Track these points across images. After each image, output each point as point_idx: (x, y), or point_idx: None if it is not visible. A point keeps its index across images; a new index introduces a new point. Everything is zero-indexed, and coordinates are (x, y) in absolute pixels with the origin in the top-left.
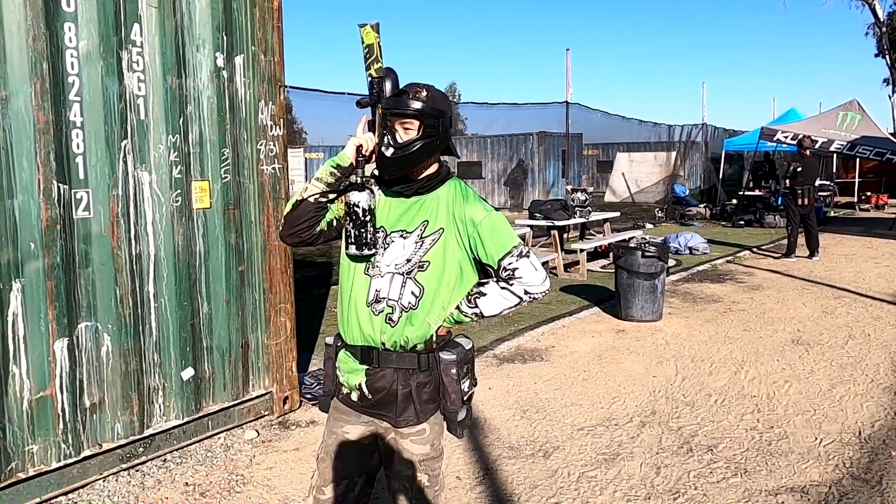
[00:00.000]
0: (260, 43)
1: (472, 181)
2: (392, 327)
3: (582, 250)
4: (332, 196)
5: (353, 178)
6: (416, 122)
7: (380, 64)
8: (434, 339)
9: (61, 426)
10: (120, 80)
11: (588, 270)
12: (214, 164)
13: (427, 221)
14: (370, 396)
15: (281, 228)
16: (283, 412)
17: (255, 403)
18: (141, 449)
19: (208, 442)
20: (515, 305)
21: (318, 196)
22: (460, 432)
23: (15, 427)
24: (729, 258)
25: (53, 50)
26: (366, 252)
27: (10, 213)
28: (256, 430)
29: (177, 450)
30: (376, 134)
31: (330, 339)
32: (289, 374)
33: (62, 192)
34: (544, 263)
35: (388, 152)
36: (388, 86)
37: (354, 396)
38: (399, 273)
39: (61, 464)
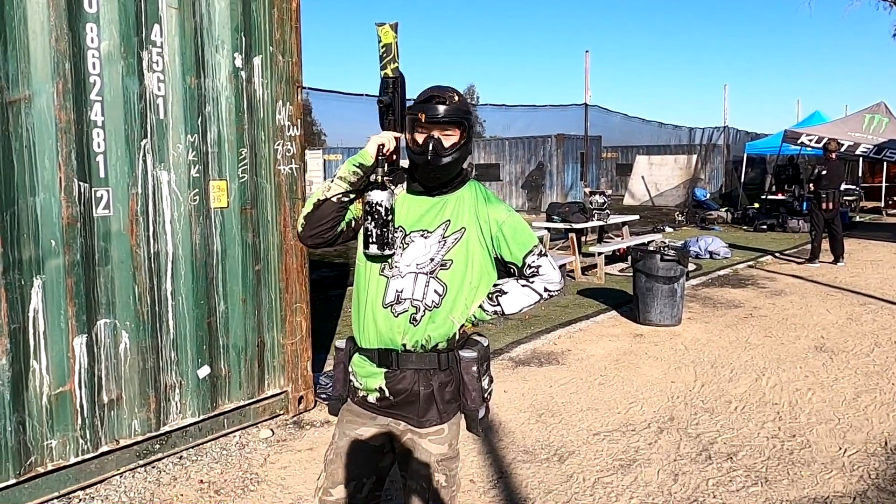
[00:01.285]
0: (278, 44)
1: (489, 183)
2: (415, 327)
3: (600, 253)
4: (352, 196)
5: (373, 178)
6: (458, 128)
7: (396, 64)
8: (456, 337)
9: (80, 422)
10: (140, 80)
11: (606, 274)
12: (232, 164)
13: (449, 221)
14: (391, 398)
15: (301, 230)
16: (298, 412)
17: (270, 402)
18: (157, 446)
19: (224, 440)
20: (536, 303)
21: (340, 196)
22: (480, 430)
23: (35, 422)
24: (750, 263)
25: (75, 50)
26: (386, 252)
27: (31, 211)
28: (271, 430)
29: (193, 447)
30: (407, 140)
31: (341, 343)
32: (304, 373)
33: (83, 190)
34: (561, 266)
35: (440, 160)
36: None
37: (372, 399)
38: (422, 273)
39: (79, 459)
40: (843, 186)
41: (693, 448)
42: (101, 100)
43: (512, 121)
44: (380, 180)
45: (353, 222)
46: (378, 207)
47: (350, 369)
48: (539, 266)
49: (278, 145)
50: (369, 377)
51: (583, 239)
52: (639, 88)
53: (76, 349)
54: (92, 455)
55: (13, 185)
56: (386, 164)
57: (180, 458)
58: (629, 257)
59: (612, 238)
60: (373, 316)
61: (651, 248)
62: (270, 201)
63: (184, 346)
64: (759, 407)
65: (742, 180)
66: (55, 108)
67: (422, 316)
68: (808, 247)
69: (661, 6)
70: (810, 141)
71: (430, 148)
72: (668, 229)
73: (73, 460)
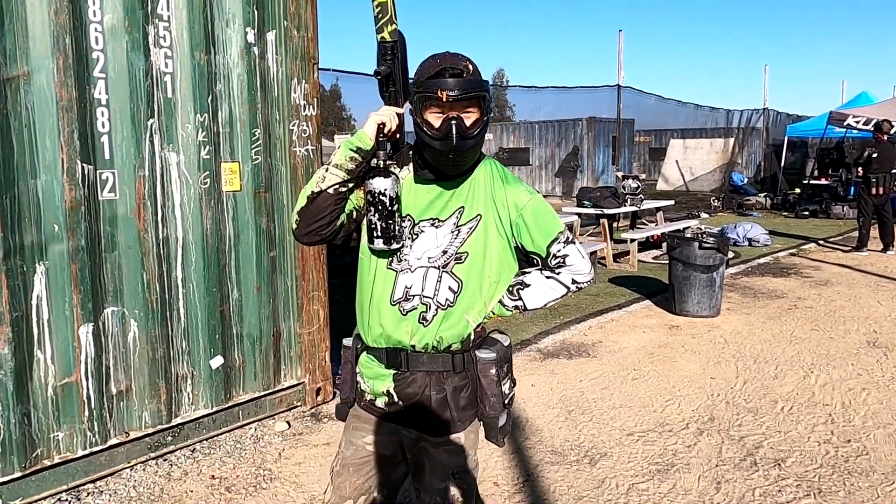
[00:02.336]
0: (293, 18)
1: (518, 167)
2: (425, 327)
3: (633, 240)
4: (351, 185)
5: (374, 162)
6: (478, 104)
7: (394, 26)
8: (472, 336)
9: (87, 413)
10: (146, 57)
11: (639, 261)
12: (245, 145)
13: (463, 208)
14: (400, 403)
15: (296, 227)
16: (316, 403)
17: (286, 394)
18: (169, 438)
19: (239, 432)
20: (562, 296)
21: (337, 186)
22: (501, 440)
23: (40, 413)
24: (792, 251)
25: (76, 24)
26: (394, 246)
27: (33, 194)
28: (287, 422)
29: (206, 439)
30: (418, 122)
31: (348, 341)
32: (322, 364)
33: (87, 172)
34: (592, 253)
35: (466, 145)
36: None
37: (381, 403)
38: (434, 267)
39: (87, 451)
40: (894, 170)
41: (737, 452)
42: (105, 77)
43: (542, 103)
44: (382, 165)
45: (355, 213)
46: (381, 197)
47: (357, 370)
48: (566, 255)
49: (293, 125)
50: (376, 379)
51: (614, 225)
52: (674, 69)
53: (82, 338)
54: (101, 448)
55: (13, 167)
56: (388, 146)
57: (193, 450)
58: (663, 244)
59: (645, 224)
60: (378, 313)
61: (688, 235)
62: (285, 184)
63: (195, 336)
64: (808, 408)
65: (782, 165)
66: (56, 85)
67: (433, 315)
68: (856, 234)
69: None
70: (857, 123)
71: (454, 130)
72: (704, 215)
73: (80, 453)
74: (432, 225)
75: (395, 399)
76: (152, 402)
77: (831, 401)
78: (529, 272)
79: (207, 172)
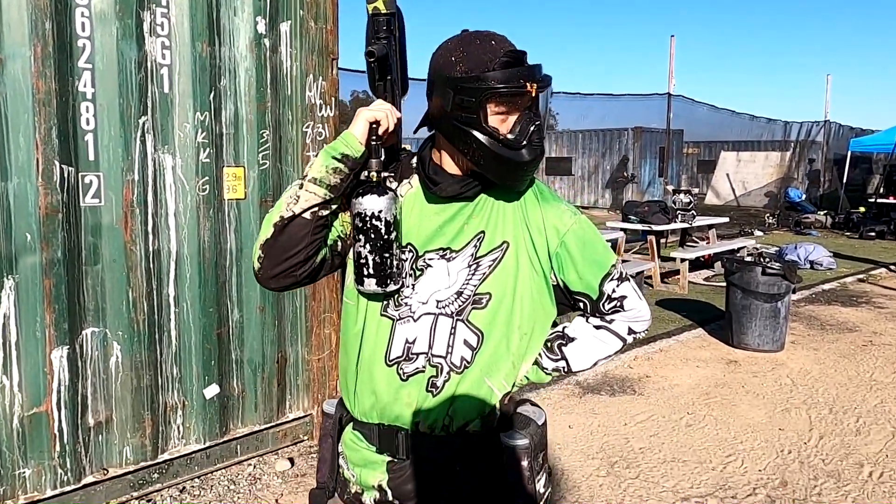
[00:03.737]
0: (310, 7)
1: (560, 178)
2: (434, 397)
3: (684, 260)
4: (334, 207)
5: (364, 174)
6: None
7: None
8: (497, 411)
9: (58, 448)
10: (140, 46)
11: (689, 282)
12: (251, 148)
13: (483, 233)
14: (397, 503)
15: (259, 266)
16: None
17: (291, 426)
18: (155, 475)
19: (236, 469)
20: (615, 353)
21: (317, 208)
22: None
23: (3, 448)
24: (861, 276)
25: (59, 7)
26: (391, 287)
27: (2, 198)
28: (291, 459)
29: (198, 477)
30: (473, 122)
31: (329, 407)
32: (333, 394)
33: (67, 174)
34: (639, 273)
35: (539, 154)
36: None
37: (369, 499)
38: (445, 314)
39: (58, 491)
40: None
41: None
42: (92, 68)
43: (587, 111)
44: (375, 179)
45: (340, 243)
46: (374, 222)
47: (340, 449)
48: (623, 297)
49: (308, 127)
50: (365, 467)
51: (661, 241)
52: (727, 77)
53: (55, 363)
54: (74, 487)
55: None
56: (382, 153)
57: (182, 489)
58: (715, 263)
59: (696, 242)
60: (369, 377)
61: (748, 259)
62: None
63: (188, 361)
64: None
65: (844, 181)
66: (32, 75)
67: (445, 380)
68: None
69: None
70: None
71: (536, 136)
72: (758, 233)
73: (49, 493)
74: (442, 257)
75: (390, 497)
76: (136, 435)
77: None
78: (572, 320)
79: (207, 178)
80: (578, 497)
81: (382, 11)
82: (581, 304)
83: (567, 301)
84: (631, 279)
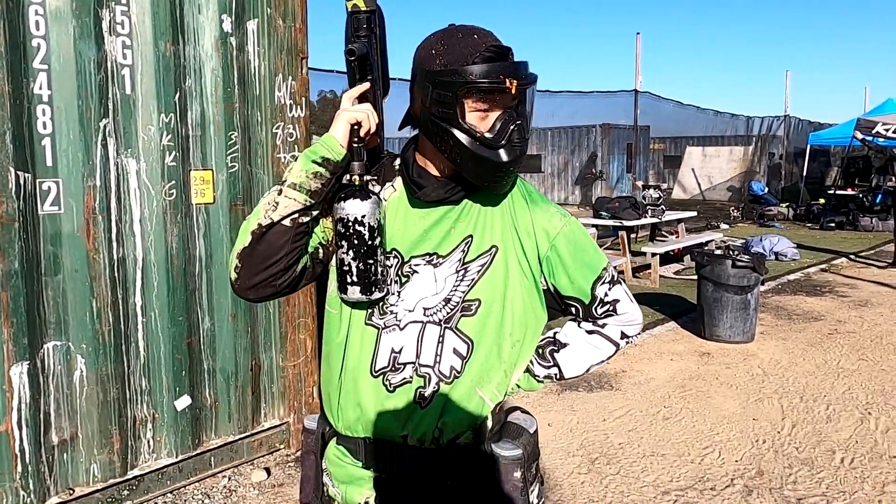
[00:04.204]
0: (277, 5)
1: (530, 176)
2: (422, 408)
3: (654, 254)
4: (315, 213)
5: (346, 178)
6: (523, 99)
7: None
8: (489, 422)
9: (20, 469)
10: (99, 46)
11: (660, 276)
12: (219, 151)
13: (471, 237)
14: None
15: (236, 277)
16: (302, 446)
17: (267, 436)
18: (125, 492)
19: (210, 482)
20: (609, 358)
21: (297, 214)
22: None
23: None
24: (823, 266)
25: (11, 5)
26: (375, 294)
27: None
28: (267, 469)
29: (171, 491)
30: (450, 118)
31: (311, 422)
32: (309, 401)
33: (23, 181)
34: None
35: (520, 154)
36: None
37: None
38: (433, 322)
39: None
40: None
41: None
42: (48, 68)
43: (557, 108)
44: (357, 182)
45: (322, 251)
46: (357, 227)
47: (323, 465)
48: (616, 301)
49: (278, 128)
50: (350, 484)
51: (632, 236)
52: (692, 75)
53: (14, 380)
54: None
55: None
56: (364, 155)
57: None
58: (685, 257)
59: (665, 236)
60: (354, 389)
61: (718, 252)
62: None
63: (157, 373)
64: (872, 460)
65: (804, 174)
66: None
67: (434, 391)
68: (889, 248)
69: None
70: (888, 130)
71: (517, 135)
72: (724, 226)
73: None
74: (429, 263)
75: None
76: (103, 451)
77: None
78: (564, 325)
79: (174, 182)
80: (561, 496)
81: (362, 9)
82: (573, 309)
83: (558, 306)
84: (623, 282)
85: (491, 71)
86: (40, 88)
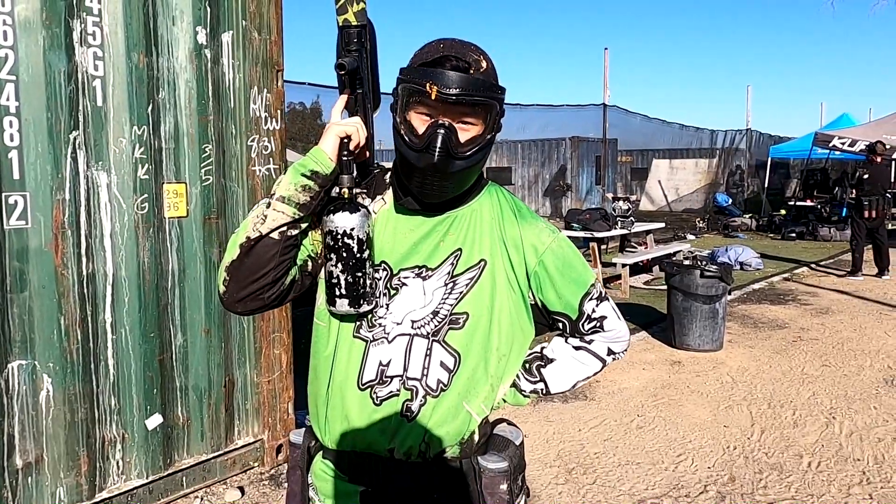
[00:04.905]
0: (253, 17)
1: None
2: (409, 422)
3: (625, 265)
4: (304, 226)
5: (335, 191)
6: (482, 115)
7: (362, 5)
8: (475, 437)
9: None
10: (69, 57)
11: (630, 287)
12: (193, 164)
13: (460, 251)
14: None
15: (225, 290)
16: (277, 463)
17: (241, 454)
18: None
19: (181, 503)
20: (595, 374)
21: (285, 227)
22: None
23: None
24: (786, 275)
25: None
26: (364, 307)
27: None
28: (241, 488)
29: None
30: (396, 123)
31: (297, 437)
32: (284, 417)
33: None
34: None
35: (451, 164)
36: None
37: None
38: (420, 335)
39: None
40: (887, 193)
41: None
42: (15, 79)
43: (527, 121)
44: (346, 195)
45: (310, 263)
46: (346, 240)
47: (309, 480)
48: (604, 318)
49: (253, 141)
50: (336, 498)
51: (602, 248)
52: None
53: None
54: None
55: None
56: (354, 168)
57: None
58: (654, 268)
59: (634, 247)
60: (341, 402)
61: (687, 263)
62: (242, 209)
63: (127, 391)
64: (837, 463)
65: (766, 185)
66: None
67: (421, 405)
68: (846, 257)
69: (682, 4)
70: (843, 144)
71: (438, 142)
72: (691, 237)
73: None
74: (418, 275)
75: None
76: (70, 474)
77: (862, 454)
78: (552, 341)
79: (146, 195)
80: None
81: (353, 23)
82: (560, 325)
83: (545, 321)
84: (610, 298)
85: (421, 74)
86: (7, 100)
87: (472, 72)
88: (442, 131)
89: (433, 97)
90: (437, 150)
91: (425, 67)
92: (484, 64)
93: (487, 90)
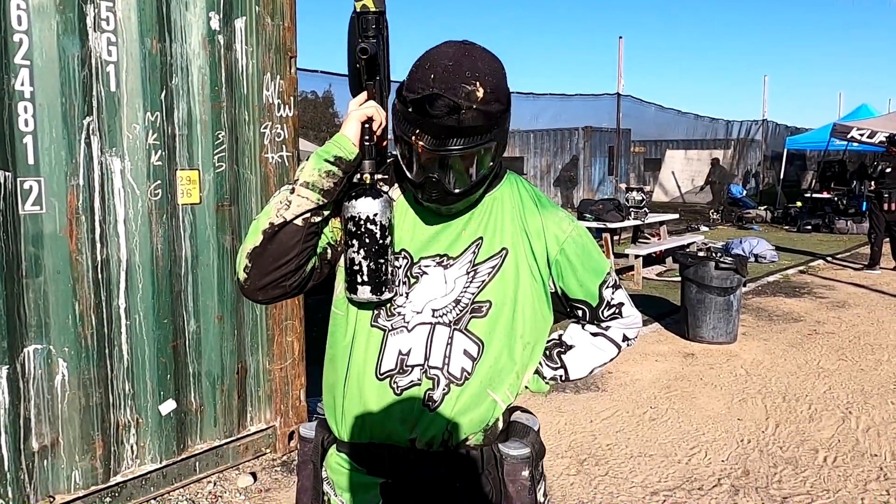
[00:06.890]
0: (266, 3)
1: None
2: (431, 411)
3: (637, 256)
4: (327, 213)
5: (356, 177)
6: (478, 150)
7: None
8: (500, 425)
9: None
10: (83, 42)
11: (643, 278)
12: (206, 150)
13: (482, 239)
14: None
15: (246, 276)
16: (289, 450)
17: (253, 440)
18: (108, 499)
19: (195, 487)
20: (611, 360)
21: (309, 214)
22: None
23: None
24: (801, 268)
25: None
26: (385, 295)
27: None
28: (253, 474)
29: (154, 498)
30: (396, 144)
31: (307, 430)
32: (296, 404)
33: (3, 180)
34: None
35: (446, 199)
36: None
37: None
38: (442, 323)
39: None
40: None
41: None
42: (30, 65)
43: (540, 111)
44: (368, 181)
45: (330, 251)
46: (369, 226)
47: (324, 475)
48: (621, 305)
49: (265, 128)
50: (355, 492)
51: (615, 239)
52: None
53: None
54: None
55: None
56: (374, 153)
57: None
58: (667, 259)
59: (647, 238)
60: (359, 392)
61: (702, 254)
62: (255, 196)
63: (141, 376)
64: (854, 458)
65: (781, 177)
66: None
67: (444, 393)
68: (864, 250)
69: None
70: (861, 135)
71: (433, 193)
72: (704, 228)
73: None
74: (439, 264)
75: None
76: (85, 458)
77: (879, 450)
78: (570, 328)
79: (159, 182)
80: (550, 497)
81: (371, 9)
82: (579, 312)
83: (563, 309)
84: (622, 286)
85: (408, 119)
86: (22, 85)
87: (463, 113)
88: (435, 174)
89: (419, 151)
90: (433, 195)
91: (414, 108)
92: (480, 92)
93: (479, 134)
